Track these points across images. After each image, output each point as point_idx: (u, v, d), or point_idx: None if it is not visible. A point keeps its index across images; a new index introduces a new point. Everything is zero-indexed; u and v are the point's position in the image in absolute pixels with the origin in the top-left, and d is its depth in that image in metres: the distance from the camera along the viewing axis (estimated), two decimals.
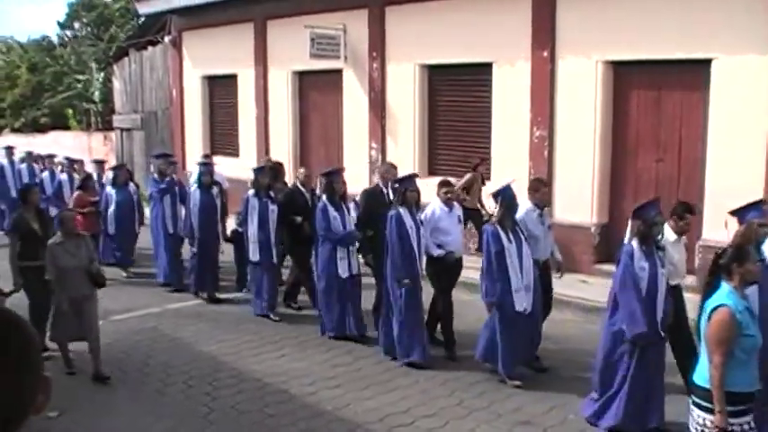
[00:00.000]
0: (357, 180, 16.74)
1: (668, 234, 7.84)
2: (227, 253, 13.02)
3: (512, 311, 8.44)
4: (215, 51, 20.81)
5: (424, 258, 9.65)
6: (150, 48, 24.37)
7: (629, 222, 7.93)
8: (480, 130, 14.59)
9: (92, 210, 14.17)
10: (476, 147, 14.67)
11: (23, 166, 19.17)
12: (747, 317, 5.16)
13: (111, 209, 14.38)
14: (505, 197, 8.73)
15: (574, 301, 11.36)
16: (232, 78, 20.65)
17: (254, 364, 9.48)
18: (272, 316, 11.42)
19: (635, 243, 7.31)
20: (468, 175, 13.67)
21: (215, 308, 12.18)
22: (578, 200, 12.91)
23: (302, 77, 18.71)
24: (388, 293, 9.52)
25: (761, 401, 5.56)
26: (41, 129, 33.27)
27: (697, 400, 5.27)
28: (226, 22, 20.01)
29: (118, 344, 9.74)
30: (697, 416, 5.23)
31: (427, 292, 9.75)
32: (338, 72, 17.22)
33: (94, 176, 15.97)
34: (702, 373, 5.23)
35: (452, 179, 10.87)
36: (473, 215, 13.44)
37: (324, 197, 10.51)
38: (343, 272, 10.25)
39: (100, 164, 17.38)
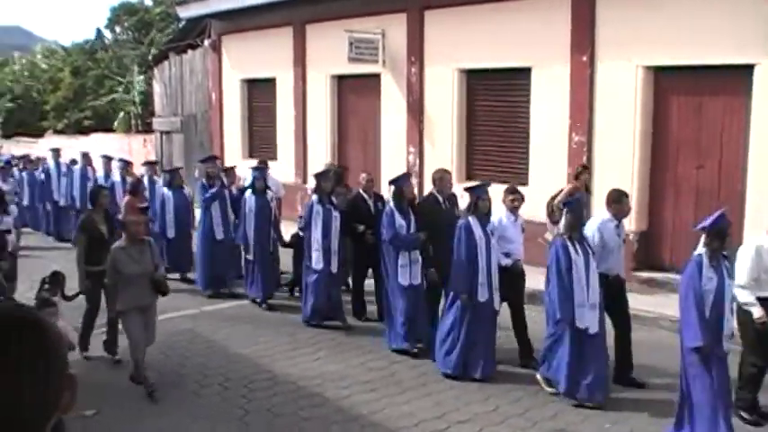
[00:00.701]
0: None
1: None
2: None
3: (576, 328, 8.03)
4: (254, 55, 20.95)
5: (495, 271, 9.05)
6: (190, 51, 24.60)
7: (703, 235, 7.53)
8: (518, 135, 14.53)
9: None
10: (514, 152, 14.63)
11: (78, 167, 18.85)
12: None
13: (170, 212, 14.06)
14: (573, 208, 8.40)
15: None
16: (271, 82, 20.77)
17: (289, 366, 9.50)
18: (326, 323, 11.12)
19: (704, 254, 7.15)
20: (568, 186, 12.05)
21: (251, 310, 12.21)
22: None
23: (341, 81, 18.76)
24: (450, 306, 9.17)
25: None
26: (83, 131, 33.69)
27: None
28: (265, 25, 20.14)
29: (155, 345, 9.77)
30: None
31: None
32: (376, 76, 17.25)
33: (145, 179, 15.73)
34: None
35: (494, 184, 10.72)
36: None
37: (391, 203, 10.08)
38: (403, 279, 9.82)
39: (151, 165, 17.10)
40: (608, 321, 8.59)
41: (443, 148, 15.81)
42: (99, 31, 37.21)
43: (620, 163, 12.80)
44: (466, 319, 8.94)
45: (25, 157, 23.08)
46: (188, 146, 24.84)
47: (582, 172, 11.98)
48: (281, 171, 19.26)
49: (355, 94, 18.46)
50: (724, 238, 7.17)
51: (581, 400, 8.04)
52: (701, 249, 7.20)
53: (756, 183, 11.35)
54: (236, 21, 21.38)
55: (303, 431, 7.69)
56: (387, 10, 16.54)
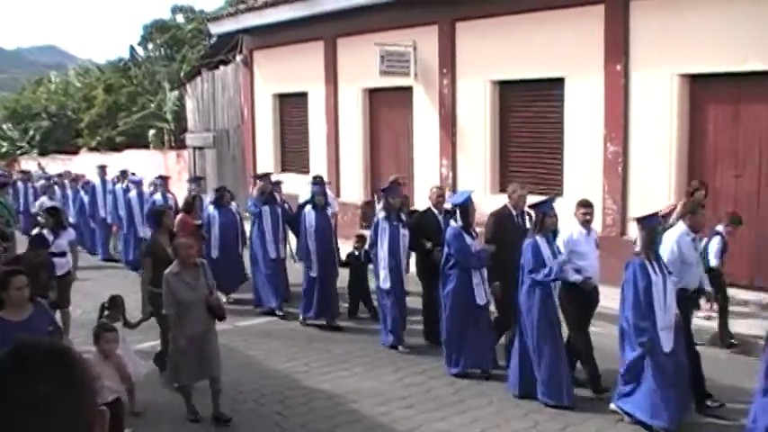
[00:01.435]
0: (426, 199, 16.72)
1: None
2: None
3: (661, 352, 7.57)
4: (286, 69, 21.01)
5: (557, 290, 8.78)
6: (222, 67, 24.72)
7: None
8: (552, 147, 14.40)
9: (196, 234, 12.52)
10: (548, 163, 14.50)
11: (119, 186, 18.31)
12: None
13: (215, 231, 13.58)
14: (649, 226, 7.96)
15: None
16: (303, 96, 20.80)
17: (324, 382, 9.44)
18: (400, 348, 10.59)
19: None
20: (679, 203, 10.76)
21: (285, 325, 12.16)
22: None
23: (372, 95, 18.74)
24: (522, 326, 8.67)
25: None
26: (117, 148, 33.97)
27: None
28: (296, 40, 20.18)
29: None
30: None
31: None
32: (408, 89, 17.21)
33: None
34: None
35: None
36: None
37: (457, 222, 9.48)
38: (480, 299, 9.41)
39: (198, 181, 16.85)
40: None
41: (476, 160, 15.71)
42: (132, 48, 37.60)
43: (656, 173, 12.63)
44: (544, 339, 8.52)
45: (66, 175, 22.93)
46: (221, 161, 24.94)
47: (698, 188, 10.83)
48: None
49: (387, 107, 18.43)
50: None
51: (659, 427, 7.54)
52: None
53: None
54: (267, 36, 21.46)
55: None
56: (418, 22, 16.50)
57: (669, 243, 8.34)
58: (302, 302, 12.13)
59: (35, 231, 12.90)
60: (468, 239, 9.41)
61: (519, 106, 15.19)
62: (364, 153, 19.02)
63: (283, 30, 20.22)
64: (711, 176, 12.31)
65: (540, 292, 8.50)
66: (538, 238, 8.54)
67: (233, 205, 14.20)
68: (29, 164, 38.78)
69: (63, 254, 10.89)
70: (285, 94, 21.86)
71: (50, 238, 10.74)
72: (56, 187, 20.57)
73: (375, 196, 10.75)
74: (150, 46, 34.63)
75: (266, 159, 22.55)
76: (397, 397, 8.91)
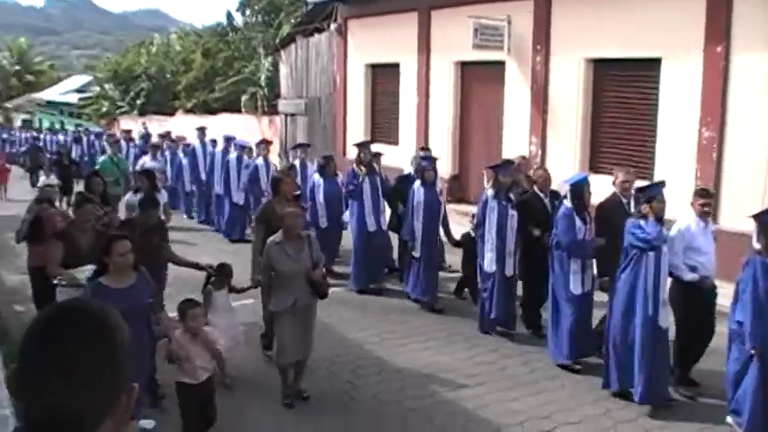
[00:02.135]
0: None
1: None
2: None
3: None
4: (379, 40, 20.96)
5: (663, 285, 7.90)
6: (316, 35, 24.81)
7: None
8: (645, 129, 14.01)
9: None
10: (640, 145, 14.12)
11: (218, 149, 18.24)
12: None
13: (320, 200, 13.21)
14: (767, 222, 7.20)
15: None
16: (395, 67, 20.73)
17: (397, 354, 9.43)
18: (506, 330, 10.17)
19: None
20: None
21: (363, 296, 12.16)
22: (749, 207, 12.13)
23: (464, 68, 18.55)
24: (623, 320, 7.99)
25: None
26: (212, 111, 34.53)
27: None
28: (390, 10, 20.11)
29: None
30: None
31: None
32: (501, 64, 16.97)
33: (297, 163, 15.04)
34: None
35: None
36: None
37: (568, 203, 8.95)
38: (575, 288, 8.87)
39: (303, 147, 16.24)
40: None
41: (567, 139, 15.41)
42: (229, 13, 38.09)
43: (753, 161, 12.13)
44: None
45: (167, 135, 23.13)
46: (311, 128, 25.10)
47: None
48: (402, 157, 19.21)
49: (479, 81, 18.22)
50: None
51: None
52: None
53: None
54: (361, 5, 21.44)
55: (407, 421, 7.63)
56: None
57: None
58: (406, 280, 11.77)
59: (129, 194, 13.18)
60: (578, 223, 8.83)
61: (613, 86, 14.81)
62: (454, 127, 18.87)
63: None
64: None
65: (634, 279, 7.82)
66: (642, 222, 7.84)
67: (339, 177, 13.68)
68: (128, 124, 39.83)
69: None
70: (377, 64, 21.82)
71: None
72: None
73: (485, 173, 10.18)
74: (248, 12, 34.96)
75: (356, 129, 22.61)
76: (468, 374, 8.85)
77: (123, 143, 23.17)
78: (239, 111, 32.51)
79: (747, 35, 12.13)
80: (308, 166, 14.94)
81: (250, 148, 17.30)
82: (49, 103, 63.38)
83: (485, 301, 10.18)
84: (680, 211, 8.71)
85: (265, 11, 33.42)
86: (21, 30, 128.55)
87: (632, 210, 8.48)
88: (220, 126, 27.00)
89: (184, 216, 19.38)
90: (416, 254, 11.36)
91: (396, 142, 20.48)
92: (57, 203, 11.84)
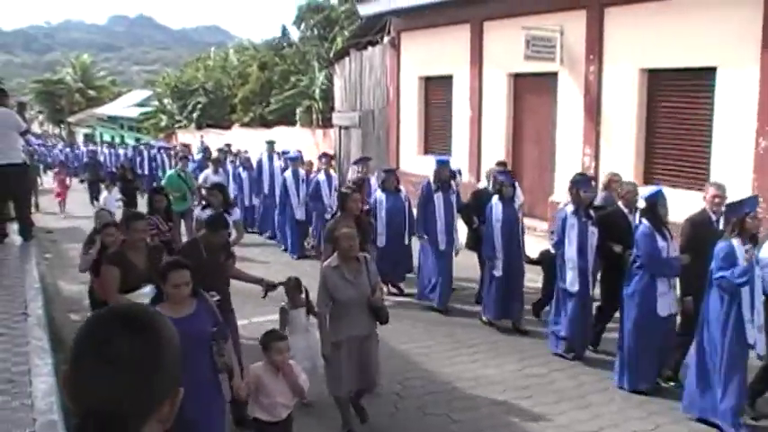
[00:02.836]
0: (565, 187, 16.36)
1: None
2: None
3: None
4: (432, 52, 20.97)
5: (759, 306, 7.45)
6: (370, 48, 24.90)
7: None
8: (701, 139, 13.77)
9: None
10: (695, 156, 13.88)
11: (278, 164, 17.99)
12: None
13: (382, 216, 12.70)
14: None
15: None
16: (448, 79, 20.71)
17: (445, 366, 9.39)
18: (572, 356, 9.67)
19: None
20: None
21: (411, 307, 12.11)
22: None
23: (517, 79, 18.45)
24: (703, 341, 7.65)
25: None
26: (267, 124, 34.85)
27: None
28: (443, 23, 20.11)
29: None
30: None
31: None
32: (553, 75, 16.84)
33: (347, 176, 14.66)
34: None
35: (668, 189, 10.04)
36: None
37: (645, 221, 8.50)
38: (662, 310, 8.38)
39: (365, 162, 15.83)
40: None
41: (621, 150, 15.22)
42: (284, 27, 38.51)
43: None
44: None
45: (228, 149, 23.15)
46: (366, 141, 25.17)
47: None
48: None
49: (531, 92, 18.10)
50: None
51: None
52: None
53: None
54: (414, 18, 21.48)
55: None
56: (565, 7, 16.11)
57: None
58: (483, 301, 11.33)
59: (198, 209, 12.83)
60: (659, 241, 8.36)
61: (667, 96, 14.58)
62: (507, 138, 18.77)
63: (431, 12, 20.20)
64: None
65: (728, 302, 7.37)
66: (735, 242, 7.38)
67: (403, 191, 13.16)
68: (185, 137, 40.38)
69: (229, 235, 9.95)
70: (430, 76, 21.82)
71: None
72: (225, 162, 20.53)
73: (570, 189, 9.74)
74: (303, 26, 35.28)
75: (410, 141, 22.63)
76: (517, 386, 8.77)
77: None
78: (294, 124, 32.77)
79: None
80: (370, 181, 14.62)
81: (310, 162, 17.11)
82: (110, 118, 64.59)
83: (561, 319, 9.71)
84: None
85: (320, 25, 33.69)
86: (84, 46, 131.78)
87: (722, 226, 8.10)
88: (276, 139, 27.23)
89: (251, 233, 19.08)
90: (497, 273, 10.87)
91: (449, 154, 20.42)
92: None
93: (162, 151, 29.37)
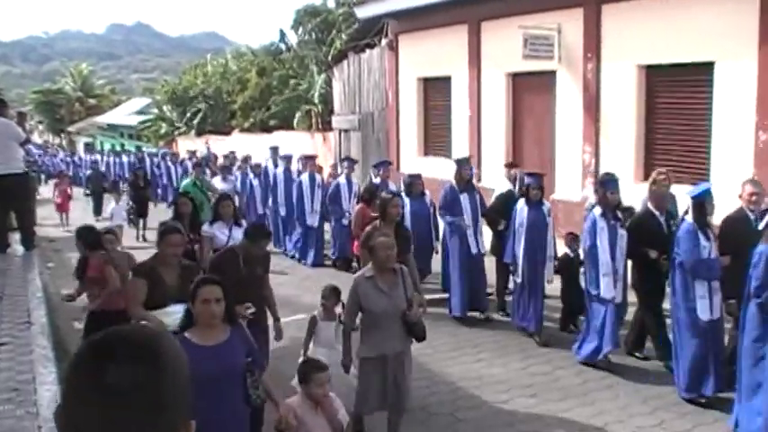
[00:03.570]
0: (568, 185, 16.38)
1: None
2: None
3: None
4: (429, 53, 20.98)
5: None
6: (368, 51, 24.93)
7: None
8: (700, 134, 13.77)
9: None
10: (695, 151, 13.88)
11: (280, 170, 17.47)
12: None
13: (408, 223, 11.67)
14: None
15: None
16: (446, 80, 20.72)
17: (449, 366, 9.39)
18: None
19: None
20: None
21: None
22: None
23: (515, 79, 18.46)
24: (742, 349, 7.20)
25: None
26: (268, 129, 34.85)
27: None
28: (441, 24, 20.12)
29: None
30: None
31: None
32: (552, 73, 16.85)
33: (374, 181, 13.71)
34: None
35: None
36: None
37: (690, 219, 8.08)
38: (703, 314, 7.96)
39: (384, 167, 15.24)
40: None
41: (621, 146, 15.21)
42: (282, 32, 38.48)
43: None
44: None
45: (231, 156, 22.67)
46: (365, 143, 25.20)
47: None
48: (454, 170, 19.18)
49: (530, 91, 18.11)
50: None
51: None
52: None
53: None
54: (412, 20, 21.48)
55: None
56: (562, 5, 16.12)
57: None
58: (514, 309, 10.81)
59: (206, 224, 11.96)
60: (702, 241, 7.96)
61: (666, 91, 14.58)
62: (507, 138, 18.77)
63: (428, 13, 20.19)
64: None
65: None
66: None
67: (427, 196, 12.80)
68: (186, 144, 40.39)
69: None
70: (429, 77, 21.83)
71: (226, 230, 9.82)
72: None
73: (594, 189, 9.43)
74: (300, 30, 35.27)
75: (410, 143, 22.64)
76: (521, 385, 8.79)
77: (189, 163, 23.00)
78: (293, 128, 32.78)
79: None
80: (388, 185, 13.81)
81: (350, 165, 16.13)
82: (110, 126, 64.63)
83: (590, 328, 9.24)
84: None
85: (318, 28, 33.65)
86: (83, 56, 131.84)
87: (762, 226, 7.90)
88: (276, 144, 27.24)
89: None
90: (519, 279, 10.50)
91: (448, 155, 20.44)
92: (127, 227, 10.47)
93: (167, 158, 29.02)
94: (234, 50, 51.48)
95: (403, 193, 12.22)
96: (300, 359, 6.99)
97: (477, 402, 8.29)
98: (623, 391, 8.51)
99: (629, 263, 9.51)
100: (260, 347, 6.16)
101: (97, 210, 24.81)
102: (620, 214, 9.31)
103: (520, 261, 10.42)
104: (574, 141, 16.37)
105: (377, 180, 14.88)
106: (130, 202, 20.91)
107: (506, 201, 11.69)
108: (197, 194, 14.19)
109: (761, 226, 8.05)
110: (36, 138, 72.99)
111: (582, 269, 10.16)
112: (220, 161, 21.00)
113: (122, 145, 56.82)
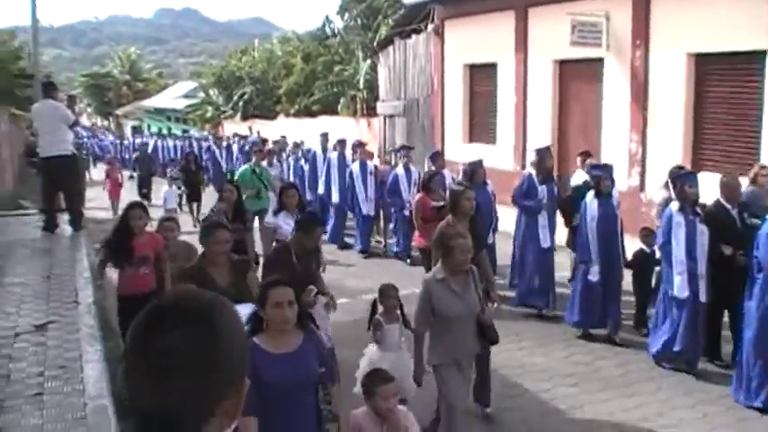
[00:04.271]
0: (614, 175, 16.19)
1: None
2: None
3: None
4: (476, 39, 20.84)
5: None
6: (414, 36, 24.84)
7: None
8: (750, 124, 13.53)
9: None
10: (744, 142, 13.65)
11: (334, 155, 16.96)
12: None
13: None
14: None
15: None
16: (492, 66, 20.58)
17: (492, 354, 9.31)
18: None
19: None
20: None
21: None
22: None
23: (562, 66, 18.28)
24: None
25: None
26: (312, 114, 34.98)
27: None
28: (487, 9, 19.98)
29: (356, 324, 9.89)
30: None
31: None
32: (599, 60, 16.65)
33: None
34: None
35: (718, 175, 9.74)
36: None
37: None
38: None
39: (438, 157, 14.66)
40: None
41: (669, 136, 15.01)
42: (327, 18, 38.55)
43: None
44: None
45: (282, 141, 22.58)
46: (410, 130, 25.14)
47: None
48: (500, 157, 19.10)
49: (577, 79, 17.92)
50: None
51: None
52: None
53: None
54: (458, 5, 21.37)
55: (498, 421, 7.55)
56: None
57: None
58: (572, 307, 10.21)
59: (270, 214, 11.43)
60: None
61: (716, 80, 14.34)
62: (552, 126, 18.60)
63: None
64: None
65: None
66: None
67: (489, 185, 12.17)
68: (231, 127, 40.66)
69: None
70: (475, 64, 21.69)
71: (290, 221, 9.15)
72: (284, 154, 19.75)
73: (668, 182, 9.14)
74: (346, 16, 35.32)
75: (455, 129, 22.54)
76: (562, 374, 8.75)
77: (235, 147, 22.90)
78: (337, 113, 32.85)
79: None
80: (445, 175, 13.39)
81: (405, 153, 15.61)
82: (157, 110, 65.39)
83: (664, 326, 8.83)
84: None
85: (364, 14, 33.67)
86: (131, 40, 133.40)
87: None
88: (320, 129, 27.27)
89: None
90: (592, 277, 9.88)
91: (493, 142, 20.36)
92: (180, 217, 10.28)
93: (211, 141, 29.03)
94: (280, 36, 51.76)
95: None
96: (361, 361, 6.89)
97: (519, 390, 8.28)
98: (666, 383, 8.43)
99: None
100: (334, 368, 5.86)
101: (145, 193, 23.86)
102: (698, 210, 8.78)
103: (594, 258, 9.88)
104: (621, 130, 16.18)
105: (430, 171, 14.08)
106: (182, 187, 20.81)
107: (584, 193, 10.68)
108: (255, 182, 13.89)
109: None
110: (84, 120, 74.04)
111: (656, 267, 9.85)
112: (269, 146, 20.69)
113: (169, 128, 57.42)
